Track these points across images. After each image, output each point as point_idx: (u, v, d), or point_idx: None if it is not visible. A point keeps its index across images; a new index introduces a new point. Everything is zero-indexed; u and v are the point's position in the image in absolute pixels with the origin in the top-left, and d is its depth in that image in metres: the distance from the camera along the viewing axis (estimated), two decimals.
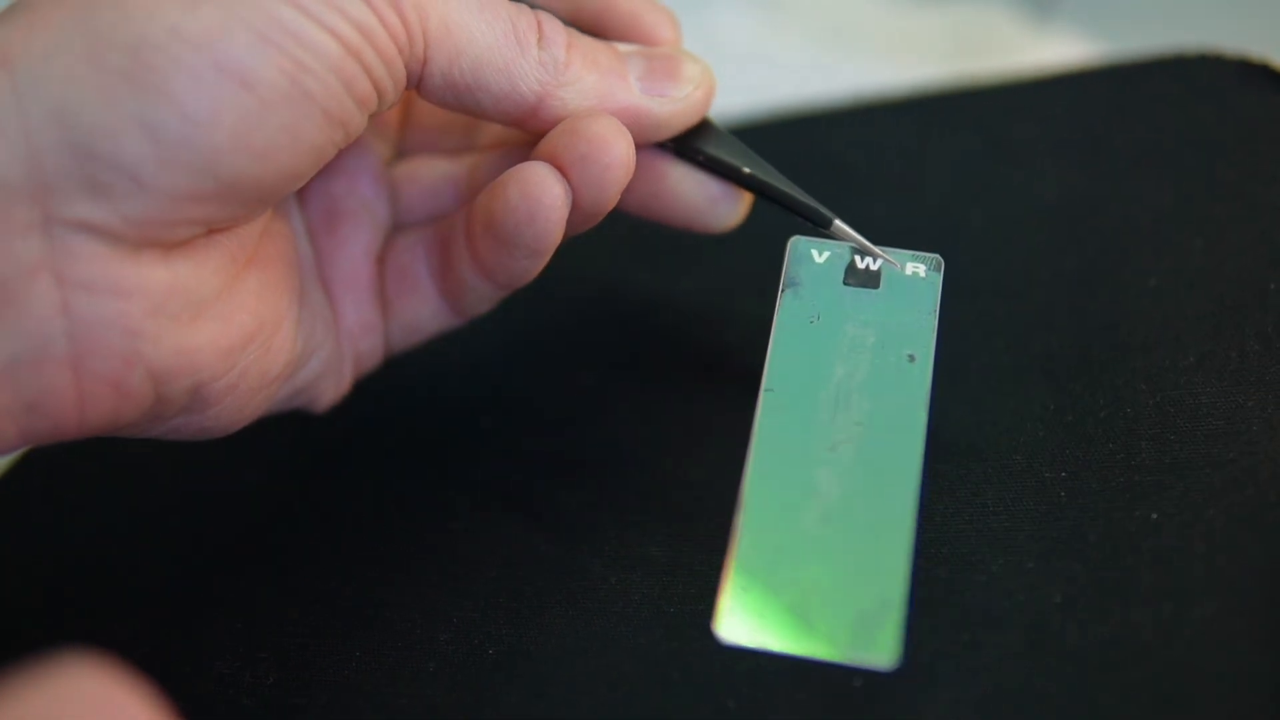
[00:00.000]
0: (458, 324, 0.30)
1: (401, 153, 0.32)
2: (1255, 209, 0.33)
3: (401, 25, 0.24)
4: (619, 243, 0.36)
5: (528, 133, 0.28)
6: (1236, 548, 0.26)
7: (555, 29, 0.27)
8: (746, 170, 0.29)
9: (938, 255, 0.28)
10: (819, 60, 0.52)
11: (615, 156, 0.26)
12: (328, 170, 0.29)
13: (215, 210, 0.23)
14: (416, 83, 0.25)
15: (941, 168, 0.37)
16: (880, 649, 0.22)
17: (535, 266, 0.27)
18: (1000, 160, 0.37)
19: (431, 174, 0.31)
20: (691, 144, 0.29)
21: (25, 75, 0.22)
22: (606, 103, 0.27)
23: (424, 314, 0.30)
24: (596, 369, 0.34)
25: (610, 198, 0.26)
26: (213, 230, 0.24)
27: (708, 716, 0.26)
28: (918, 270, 0.27)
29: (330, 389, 0.29)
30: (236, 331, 0.25)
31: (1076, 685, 0.25)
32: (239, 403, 0.26)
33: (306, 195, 0.29)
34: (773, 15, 0.54)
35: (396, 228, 0.31)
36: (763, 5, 0.55)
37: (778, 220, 0.29)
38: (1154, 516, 0.27)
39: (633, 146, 0.26)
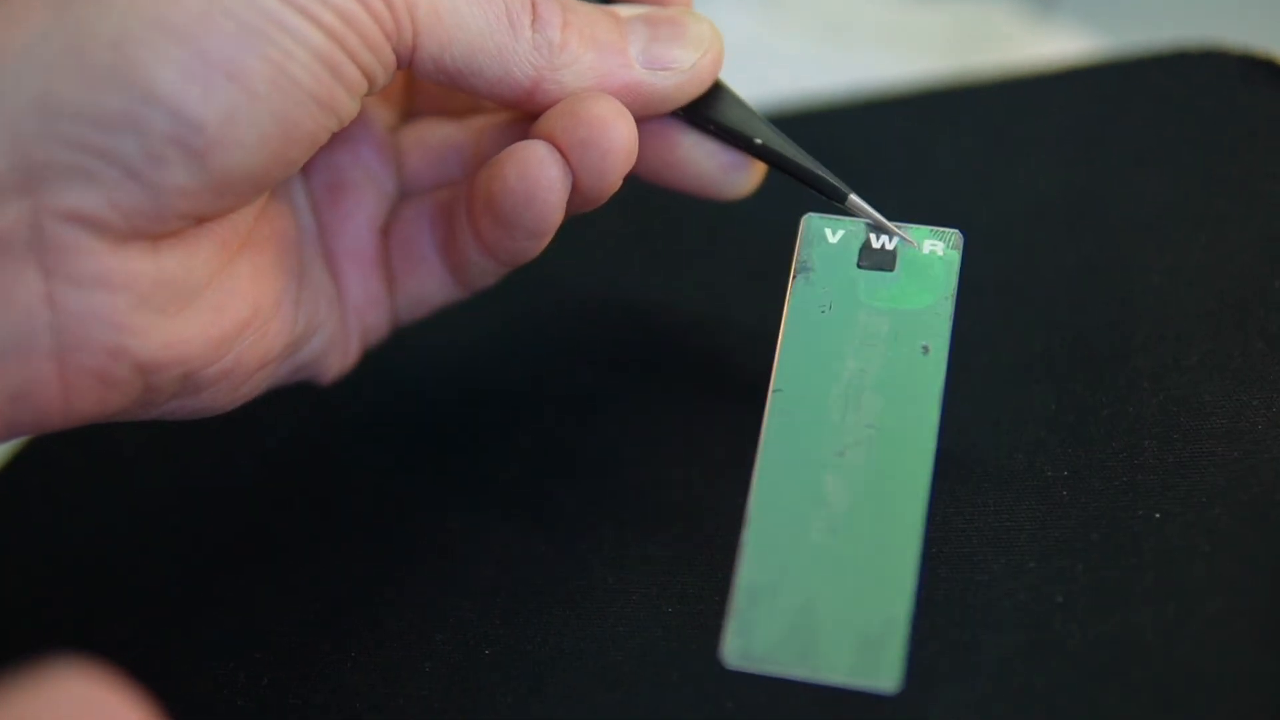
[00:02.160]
0: (464, 296, 0.30)
1: (408, 115, 0.31)
2: (1258, 205, 0.33)
3: (388, 11, 0.23)
4: (622, 237, 0.36)
5: (526, 113, 0.27)
6: (1241, 547, 0.26)
7: (550, 8, 0.26)
8: (759, 142, 0.28)
9: (957, 231, 0.27)
10: (820, 55, 0.52)
11: (616, 141, 0.25)
12: (330, 141, 0.29)
13: (207, 203, 0.23)
14: (407, 65, 0.25)
15: (943, 164, 0.37)
16: (883, 672, 0.22)
17: (536, 246, 0.27)
18: (1002, 156, 0.37)
19: (438, 139, 0.30)
20: (702, 112, 0.28)
21: (6, 68, 0.21)
22: (605, 82, 0.26)
23: (430, 286, 0.29)
24: (597, 366, 0.34)
25: (612, 182, 0.26)
26: (203, 219, 0.24)
27: (707, 717, 0.26)
28: (935, 249, 0.26)
29: (336, 363, 0.29)
30: (229, 320, 0.25)
31: (1078, 686, 0.24)
32: (235, 384, 0.26)
33: (309, 168, 0.29)
34: (773, 10, 0.54)
35: (403, 195, 0.30)
36: (764, 0, 0.54)
37: (785, 210, 0.29)
38: (1157, 516, 0.27)
39: (634, 128, 0.26)
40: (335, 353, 0.29)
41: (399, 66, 0.25)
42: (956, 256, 0.26)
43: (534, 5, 0.26)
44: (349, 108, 0.24)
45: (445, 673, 0.27)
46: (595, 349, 0.34)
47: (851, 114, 0.39)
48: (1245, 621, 0.25)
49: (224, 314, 0.25)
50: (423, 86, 0.31)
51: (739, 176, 0.29)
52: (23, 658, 0.19)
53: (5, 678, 0.17)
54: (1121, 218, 0.33)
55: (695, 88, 0.27)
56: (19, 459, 0.35)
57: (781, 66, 0.51)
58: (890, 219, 0.27)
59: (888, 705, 0.25)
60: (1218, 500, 0.27)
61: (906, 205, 0.35)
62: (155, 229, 0.23)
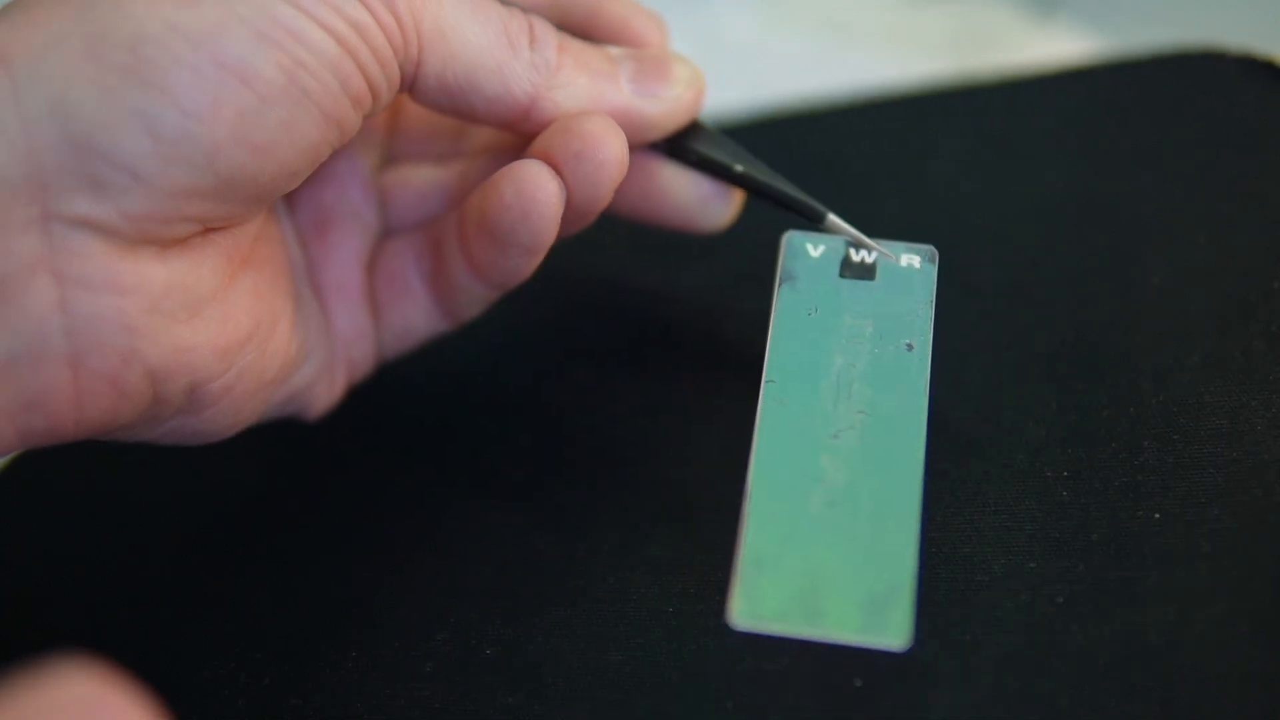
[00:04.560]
0: (449, 328, 0.30)
1: (389, 159, 0.32)
2: (1259, 206, 0.33)
3: (396, 25, 0.24)
4: (617, 240, 0.36)
5: (520, 135, 0.28)
6: (1242, 548, 0.26)
7: (546, 31, 0.27)
8: (739, 168, 0.29)
9: (931, 246, 0.28)
10: (820, 55, 0.52)
11: (609, 154, 0.26)
12: (317, 178, 0.30)
13: (213, 207, 0.23)
14: (410, 84, 0.26)
15: (944, 165, 0.37)
16: (892, 630, 0.22)
17: (529, 265, 0.27)
18: (1003, 157, 0.37)
19: (420, 181, 0.31)
20: (683, 144, 0.29)
21: (23, 71, 0.22)
22: (598, 104, 0.27)
23: (415, 318, 0.30)
24: (596, 366, 0.34)
25: (604, 196, 0.26)
26: (209, 229, 0.24)
27: (707, 717, 0.26)
28: (912, 262, 0.28)
29: (323, 395, 0.29)
30: (233, 331, 0.25)
31: (1079, 687, 0.24)
32: (235, 405, 0.26)
33: (296, 202, 0.30)
34: (774, 10, 0.54)
35: (386, 234, 0.31)
36: (765, 0, 0.54)
37: (775, 216, 0.29)
38: (1157, 516, 0.27)
39: (626, 144, 0.26)
40: (324, 383, 0.29)
41: (403, 84, 0.25)
42: (933, 269, 0.28)
43: (531, 27, 0.27)
44: (353, 122, 0.25)
45: (446, 673, 0.27)
46: (594, 350, 0.34)
47: (852, 115, 0.39)
48: (1246, 623, 0.25)
49: (229, 325, 0.25)
50: (405, 130, 0.31)
51: (717, 207, 0.30)
52: (23, 658, 0.18)
53: (6, 678, 0.17)
54: (1122, 218, 0.33)
55: (681, 116, 0.28)
56: (19, 459, 0.35)
57: (782, 66, 0.51)
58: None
59: (888, 706, 0.25)
60: (1218, 501, 0.27)
61: (908, 207, 0.35)
62: (164, 233, 0.23)
